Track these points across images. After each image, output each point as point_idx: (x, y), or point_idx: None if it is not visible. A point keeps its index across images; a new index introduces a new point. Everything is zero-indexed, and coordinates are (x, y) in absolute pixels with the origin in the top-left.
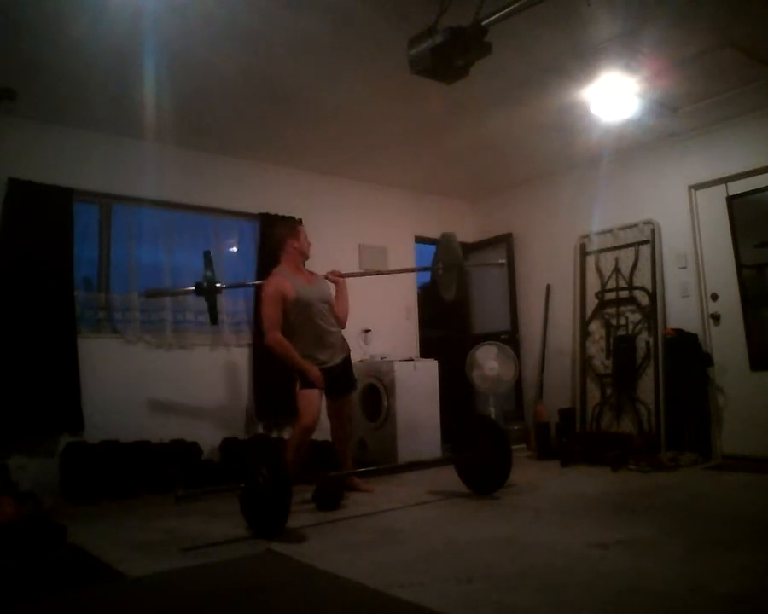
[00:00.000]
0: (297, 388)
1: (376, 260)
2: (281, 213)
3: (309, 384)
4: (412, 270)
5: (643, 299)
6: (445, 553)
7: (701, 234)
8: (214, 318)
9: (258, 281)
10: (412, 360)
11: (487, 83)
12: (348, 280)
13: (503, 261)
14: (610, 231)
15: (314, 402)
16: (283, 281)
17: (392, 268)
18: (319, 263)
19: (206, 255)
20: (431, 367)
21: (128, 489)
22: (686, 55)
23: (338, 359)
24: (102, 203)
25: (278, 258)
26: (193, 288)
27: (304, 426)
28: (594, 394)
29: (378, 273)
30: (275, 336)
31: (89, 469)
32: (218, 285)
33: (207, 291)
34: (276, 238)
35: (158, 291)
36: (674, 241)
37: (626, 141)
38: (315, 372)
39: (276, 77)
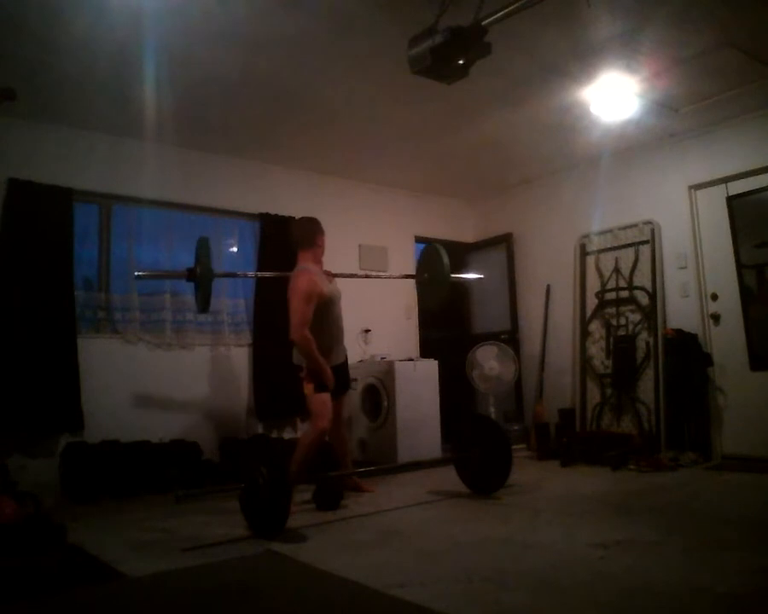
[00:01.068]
0: (309, 391)
1: (376, 260)
2: (281, 213)
3: (323, 387)
4: (400, 277)
5: (643, 299)
6: (445, 553)
7: (701, 234)
8: (205, 307)
9: (256, 273)
10: (412, 360)
11: (487, 83)
12: (348, 281)
13: (482, 275)
14: (610, 231)
15: (328, 406)
16: (317, 278)
17: (392, 268)
18: None
19: (204, 241)
20: (431, 367)
21: (128, 489)
22: (686, 54)
23: (342, 358)
24: (102, 203)
25: (300, 253)
26: (185, 272)
27: (320, 430)
28: (594, 394)
29: (366, 277)
30: (305, 333)
31: (89, 469)
32: (214, 273)
33: (201, 277)
34: (304, 232)
35: (151, 273)
36: (674, 241)
37: (626, 141)
38: (329, 373)
39: (276, 77)
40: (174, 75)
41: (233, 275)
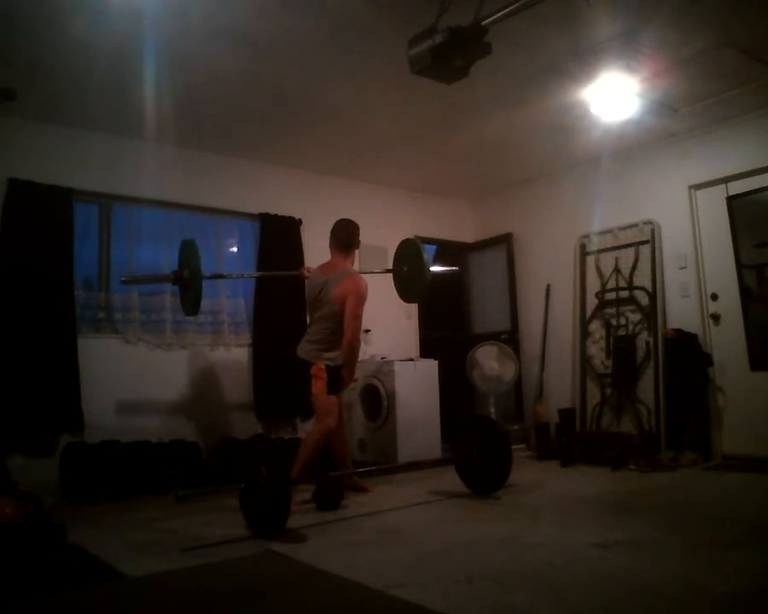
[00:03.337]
0: (318, 389)
1: (376, 260)
2: (281, 213)
3: (335, 389)
4: (380, 272)
5: (643, 299)
6: (445, 553)
7: (701, 234)
8: (195, 310)
9: (244, 273)
10: (412, 360)
11: (487, 83)
12: None
13: (457, 268)
14: (610, 231)
15: (336, 406)
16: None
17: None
18: (320, 263)
19: (191, 243)
20: (431, 367)
21: (128, 490)
22: (686, 54)
23: None
24: (102, 203)
25: (340, 255)
26: (171, 275)
27: (328, 429)
28: (594, 394)
29: None
30: (360, 339)
31: (89, 469)
32: (204, 276)
33: (191, 280)
34: (352, 235)
35: (135, 277)
36: (674, 241)
37: (626, 141)
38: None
39: (276, 77)
40: (174, 75)
41: (221, 277)
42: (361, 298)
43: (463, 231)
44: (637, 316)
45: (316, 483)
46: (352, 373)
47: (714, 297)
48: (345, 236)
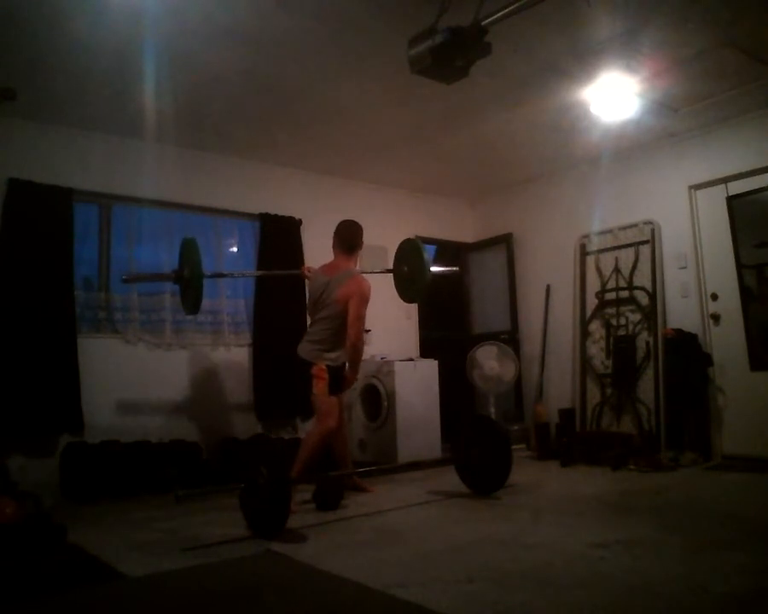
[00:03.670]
0: (320, 390)
1: (377, 260)
2: (281, 213)
3: (336, 389)
4: (381, 272)
5: (643, 299)
6: (445, 553)
7: (701, 234)
8: (195, 309)
9: (243, 272)
10: (412, 360)
11: (487, 83)
12: None
13: (457, 268)
14: (610, 231)
15: (336, 407)
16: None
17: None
18: (320, 263)
19: (191, 242)
20: (431, 367)
21: (128, 490)
22: (686, 54)
23: None
24: (102, 203)
25: (344, 256)
26: (172, 274)
27: (329, 429)
28: (594, 394)
29: None
30: (363, 339)
31: (89, 469)
32: (205, 275)
33: (192, 279)
34: (356, 236)
35: (137, 276)
36: (674, 241)
37: (626, 141)
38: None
39: (276, 77)
40: (174, 75)
41: (222, 276)
42: (364, 300)
43: (463, 231)
44: (637, 316)
45: (316, 483)
46: (356, 373)
47: (714, 297)
48: (349, 237)
